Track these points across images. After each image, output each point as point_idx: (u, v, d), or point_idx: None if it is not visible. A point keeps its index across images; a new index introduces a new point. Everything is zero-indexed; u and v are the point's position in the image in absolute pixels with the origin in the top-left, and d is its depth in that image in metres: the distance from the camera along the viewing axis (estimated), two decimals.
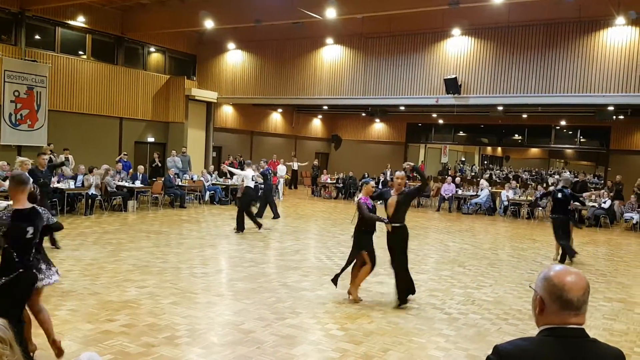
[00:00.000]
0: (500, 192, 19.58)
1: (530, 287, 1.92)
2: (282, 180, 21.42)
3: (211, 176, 19.13)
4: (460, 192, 19.87)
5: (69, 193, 13.78)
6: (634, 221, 16.29)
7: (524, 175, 35.89)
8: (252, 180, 12.75)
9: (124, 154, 18.31)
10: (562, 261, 10.11)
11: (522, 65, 16.81)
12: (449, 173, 29.58)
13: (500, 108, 21.23)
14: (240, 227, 12.31)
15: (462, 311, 6.79)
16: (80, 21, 18.83)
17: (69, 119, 18.65)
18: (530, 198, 18.60)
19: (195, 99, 22.04)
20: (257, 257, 9.65)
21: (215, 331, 5.66)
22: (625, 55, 15.36)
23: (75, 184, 14.09)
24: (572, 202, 10.93)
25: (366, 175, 22.86)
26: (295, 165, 25.15)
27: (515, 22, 16.53)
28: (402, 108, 24.23)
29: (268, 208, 14.78)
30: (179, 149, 20.26)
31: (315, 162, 25.70)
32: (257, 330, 5.69)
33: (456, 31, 17.73)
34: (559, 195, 10.50)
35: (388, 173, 22.78)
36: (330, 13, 15.84)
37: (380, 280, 8.19)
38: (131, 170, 17.24)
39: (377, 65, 19.31)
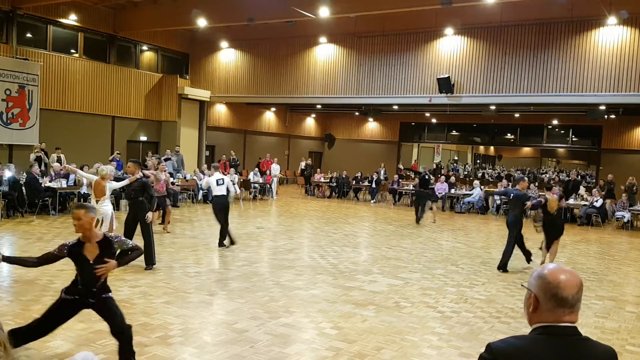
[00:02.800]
0: (493, 191, 19.65)
1: (522, 285, 1.93)
2: (275, 180, 21.40)
3: (204, 175, 19.04)
4: (453, 191, 19.93)
5: (61, 192, 13.71)
6: (625, 220, 16.40)
7: (516, 175, 36.05)
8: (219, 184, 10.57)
9: (117, 153, 18.24)
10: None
11: (515, 65, 16.88)
12: (442, 172, 29.71)
13: (492, 107, 21.31)
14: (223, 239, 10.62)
15: (455, 309, 6.81)
16: (72, 19, 18.73)
17: (61, 118, 18.56)
18: None
19: (188, 97, 21.98)
20: (250, 256, 9.64)
21: (209, 330, 5.65)
22: (616, 55, 15.46)
23: (67, 183, 14.02)
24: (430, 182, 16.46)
25: (360, 175, 22.89)
26: (303, 164, 24.90)
27: (508, 22, 16.60)
28: (395, 107, 24.29)
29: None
30: (172, 147, 20.19)
31: (309, 161, 25.68)
32: (251, 329, 5.68)
33: (449, 30, 17.78)
34: (426, 176, 15.92)
35: (382, 172, 22.81)
36: (324, 12, 15.84)
37: (373, 279, 8.21)
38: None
39: (370, 64, 19.32)
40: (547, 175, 33.78)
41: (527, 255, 9.71)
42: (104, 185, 8.59)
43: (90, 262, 4.26)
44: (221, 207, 10.28)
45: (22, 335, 4.22)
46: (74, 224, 4.30)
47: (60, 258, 4.38)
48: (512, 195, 9.78)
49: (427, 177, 15.87)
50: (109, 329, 4.38)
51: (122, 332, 4.36)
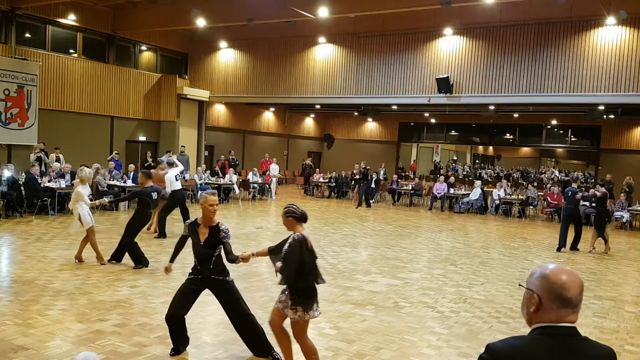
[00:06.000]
0: (492, 191, 19.68)
1: (520, 285, 1.92)
2: (274, 180, 21.40)
3: (203, 176, 19.04)
4: (452, 190, 19.94)
5: (60, 192, 13.68)
6: (624, 220, 16.41)
7: (515, 175, 36.10)
8: (177, 180, 11.32)
9: (116, 153, 18.21)
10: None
11: (514, 65, 16.88)
12: (441, 172, 29.73)
13: (491, 107, 21.31)
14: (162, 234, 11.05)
15: (454, 309, 6.82)
16: (71, 19, 18.71)
17: (60, 118, 18.54)
18: (522, 197, 18.70)
19: (187, 97, 21.96)
20: None
21: (208, 330, 5.65)
22: (615, 55, 15.47)
23: (65, 183, 13.97)
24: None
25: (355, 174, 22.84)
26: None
27: (507, 22, 16.61)
28: (394, 107, 24.28)
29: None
30: (171, 148, 20.18)
31: (308, 161, 25.65)
32: None
33: (448, 30, 17.78)
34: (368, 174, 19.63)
35: (382, 172, 22.82)
36: (323, 12, 15.84)
37: (373, 279, 8.21)
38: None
39: (370, 64, 19.33)
40: (546, 175, 33.81)
41: (562, 244, 11.93)
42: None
43: (201, 243, 4.79)
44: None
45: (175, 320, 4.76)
46: (211, 209, 4.83)
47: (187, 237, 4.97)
48: (570, 192, 12.13)
49: (367, 174, 19.61)
50: (228, 314, 4.88)
51: (243, 315, 4.82)
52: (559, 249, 11.79)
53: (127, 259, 8.79)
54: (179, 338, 4.89)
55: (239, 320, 4.86)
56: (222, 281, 4.85)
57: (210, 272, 4.80)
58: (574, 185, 12.69)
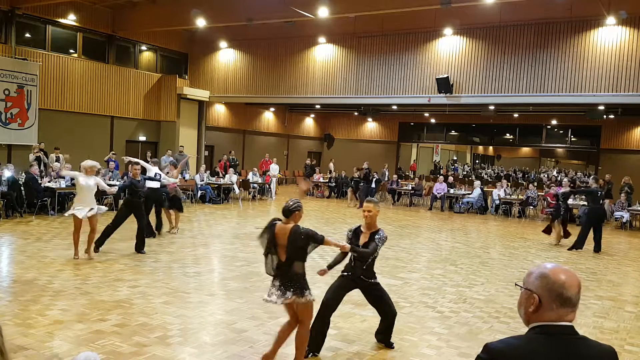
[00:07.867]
0: (492, 191, 19.67)
1: (517, 285, 1.92)
2: (274, 180, 21.39)
3: (204, 175, 19.01)
4: (452, 190, 19.93)
5: (60, 192, 13.67)
6: (624, 220, 16.41)
7: (514, 174, 36.11)
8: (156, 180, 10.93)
9: (113, 153, 18.19)
10: None
11: (514, 65, 16.89)
12: (441, 172, 29.74)
13: (491, 107, 21.32)
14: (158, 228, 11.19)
15: (454, 309, 6.82)
16: (70, 19, 18.72)
17: (60, 118, 18.55)
18: (522, 197, 18.71)
19: (187, 97, 21.97)
20: (249, 256, 9.63)
21: (208, 330, 5.65)
22: (615, 55, 15.47)
23: (65, 183, 13.95)
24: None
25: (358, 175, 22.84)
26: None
27: (507, 22, 16.61)
28: (394, 107, 24.31)
29: None
30: (171, 148, 20.17)
31: (308, 161, 25.65)
32: (250, 329, 5.68)
33: (448, 31, 17.78)
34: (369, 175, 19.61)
35: (386, 174, 22.87)
36: (323, 12, 15.84)
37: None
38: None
39: (370, 64, 19.33)
40: (546, 175, 33.83)
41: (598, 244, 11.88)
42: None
43: (359, 246, 5.13)
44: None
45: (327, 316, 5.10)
46: (364, 215, 5.14)
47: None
48: (599, 192, 12.17)
49: (369, 175, 19.62)
50: (377, 309, 5.34)
51: (387, 317, 5.31)
52: (575, 248, 11.81)
53: (133, 259, 8.80)
54: (319, 337, 5.03)
55: (386, 316, 5.34)
56: (369, 283, 5.22)
57: (361, 272, 5.16)
58: (597, 185, 12.74)
